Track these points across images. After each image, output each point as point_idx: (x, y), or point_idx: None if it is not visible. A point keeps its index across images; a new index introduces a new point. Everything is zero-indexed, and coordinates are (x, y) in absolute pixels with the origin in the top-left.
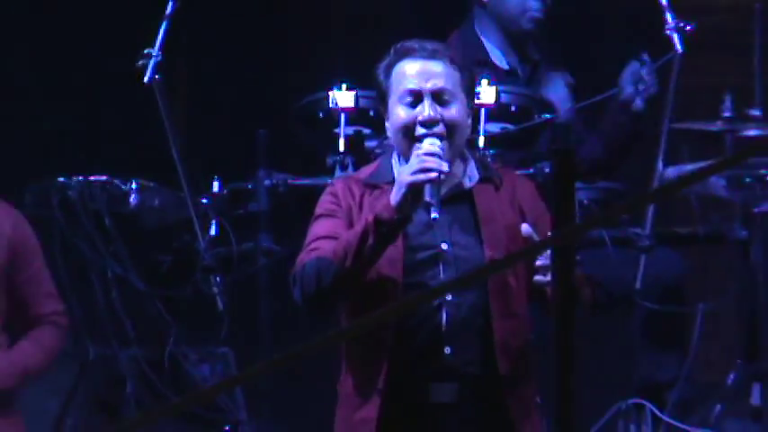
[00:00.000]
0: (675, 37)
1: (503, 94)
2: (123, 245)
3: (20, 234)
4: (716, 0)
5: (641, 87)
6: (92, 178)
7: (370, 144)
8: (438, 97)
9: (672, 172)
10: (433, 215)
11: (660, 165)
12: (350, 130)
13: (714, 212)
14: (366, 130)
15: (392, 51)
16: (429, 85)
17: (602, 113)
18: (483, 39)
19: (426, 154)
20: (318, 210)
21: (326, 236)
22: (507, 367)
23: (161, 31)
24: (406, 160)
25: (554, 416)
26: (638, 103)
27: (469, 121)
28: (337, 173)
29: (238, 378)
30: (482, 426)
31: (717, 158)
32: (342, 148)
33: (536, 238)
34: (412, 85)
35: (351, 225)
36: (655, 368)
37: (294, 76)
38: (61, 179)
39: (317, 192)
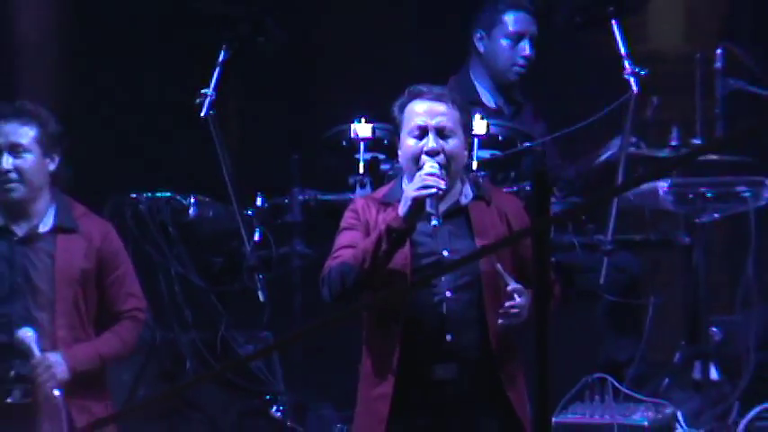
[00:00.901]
0: (632, 80)
1: (492, 127)
2: (184, 249)
3: (107, 245)
4: (665, 50)
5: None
6: (158, 194)
7: (384, 167)
8: (441, 132)
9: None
10: (433, 222)
11: (620, 182)
12: (368, 156)
13: (663, 222)
14: (381, 156)
15: (406, 93)
16: (434, 122)
17: (573, 145)
18: (476, 83)
19: (427, 174)
20: (342, 224)
21: (348, 245)
22: (498, 350)
23: (215, 75)
24: None
25: (534, 387)
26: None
27: (465, 152)
28: (357, 190)
29: (271, 347)
30: (478, 397)
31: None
32: (361, 171)
33: (506, 278)
34: (420, 122)
35: (368, 236)
36: (615, 349)
37: (322, 111)
38: (133, 195)
39: (341, 205)
